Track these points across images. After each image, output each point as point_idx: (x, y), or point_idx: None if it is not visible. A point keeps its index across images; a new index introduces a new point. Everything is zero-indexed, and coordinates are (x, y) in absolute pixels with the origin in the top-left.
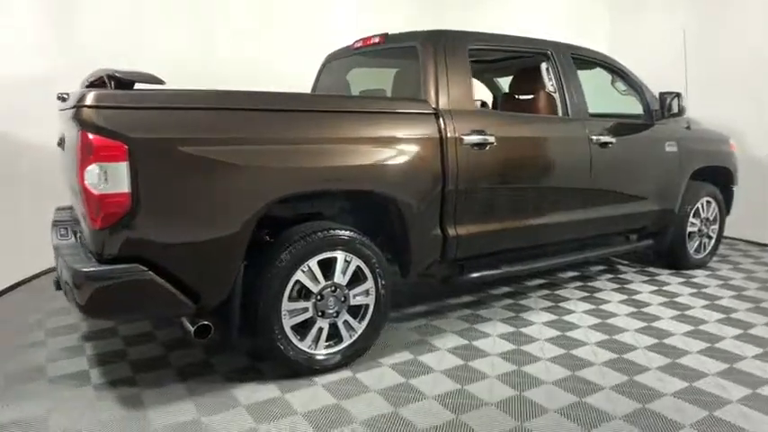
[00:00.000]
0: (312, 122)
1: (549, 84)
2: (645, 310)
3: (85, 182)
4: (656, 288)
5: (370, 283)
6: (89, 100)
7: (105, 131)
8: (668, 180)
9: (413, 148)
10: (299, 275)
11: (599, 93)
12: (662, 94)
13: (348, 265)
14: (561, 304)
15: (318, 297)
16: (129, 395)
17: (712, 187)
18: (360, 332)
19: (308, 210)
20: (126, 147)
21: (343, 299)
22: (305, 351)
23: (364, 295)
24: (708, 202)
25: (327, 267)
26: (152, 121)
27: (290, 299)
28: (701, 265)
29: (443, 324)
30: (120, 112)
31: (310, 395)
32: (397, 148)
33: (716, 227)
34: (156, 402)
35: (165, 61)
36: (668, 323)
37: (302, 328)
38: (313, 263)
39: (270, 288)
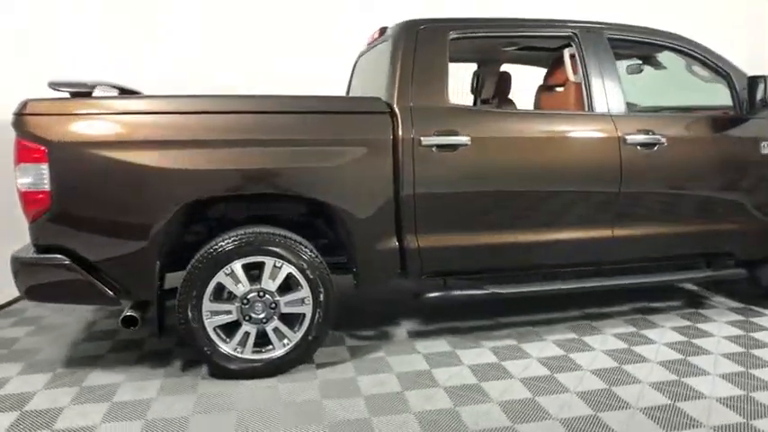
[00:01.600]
0: (230, 124)
1: (573, 73)
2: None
3: (17, 180)
4: (739, 333)
5: (306, 293)
6: (19, 108)
7: (30, 136)
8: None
9: (357, 151)
10: (220, 277)
11: (677, 81)
12: (751, 79)
13: (278, 272)
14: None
15: (244, 301)
16: None
17: None
18: (294, 342)
19: (263, 212)
20: (46, 150)
21: (272, 305)
22: (229, 353)
23: (299, 304)
24: None
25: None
26: (70, 127)
27: (213, 300)
28: None
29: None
30: (43, 119)
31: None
32: (337, 150)
33: None
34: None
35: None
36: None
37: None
38: (237, 266)
39: (190, 288)
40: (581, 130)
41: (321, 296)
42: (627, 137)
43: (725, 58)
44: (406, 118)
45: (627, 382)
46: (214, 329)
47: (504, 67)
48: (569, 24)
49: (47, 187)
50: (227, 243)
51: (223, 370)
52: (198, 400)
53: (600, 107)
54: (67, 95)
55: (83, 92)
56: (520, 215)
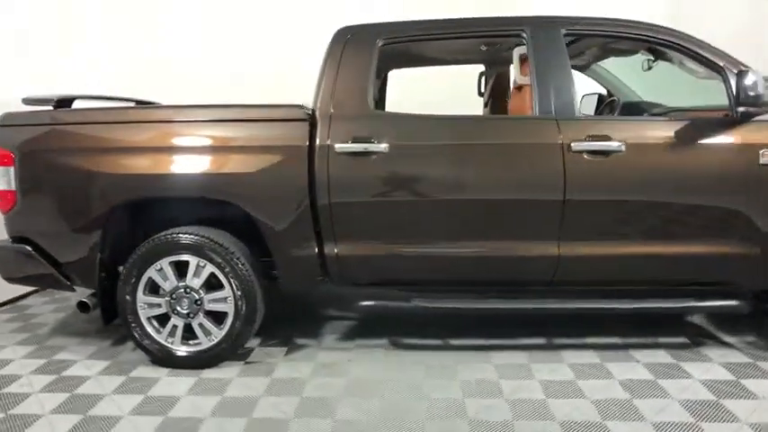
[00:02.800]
0: (156, 132)
1: (520, 75)
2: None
3: None
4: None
5: (228, 292)
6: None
7: (1, 143)
8: (758, 214)
9: (275, 158)
10: (151, 273)
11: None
12: (741, 73)
13: (202, 270)
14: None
15: (172, 296)
16: None
17: None
18: (219, 338)
19: (205, 215)
20: (13, 155)
21: (197, 302)
22: (160, 343)
23: (222, 302)
24: None
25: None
26: (31, 135)
27: (146, 293)
28: None
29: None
30: (12, 129)
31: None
32: (256, 157)
33: None
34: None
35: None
36: None
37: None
38: (165, 263)
39: (126, 281)
40: (516, 137)
41: (242, 296)
42: (572, 144)
43: (722, 50)
44: (324, 125)
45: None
46: (147, 320)
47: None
48: (519, 21)
49: (14, 187)
50: (157, 241)
51: (155, 358)
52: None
53: (545, 111)
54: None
55: (65, 102)
56: (443, 226)
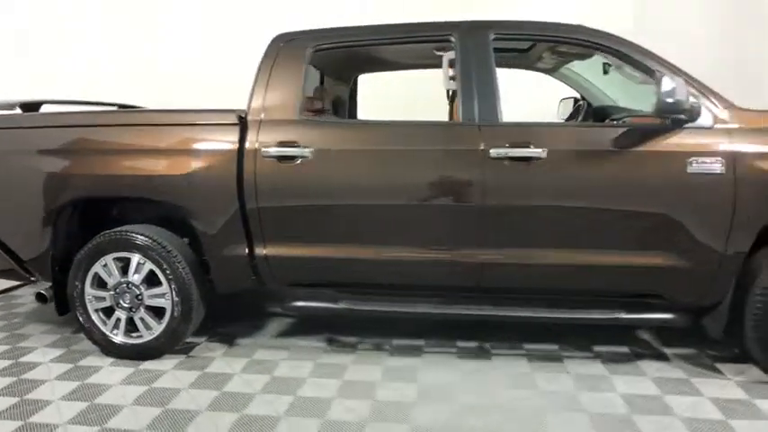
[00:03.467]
0: (98, 136)
1: (446, 80)
2: None
3: None
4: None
5: (165, 288)
6: None
7: None
8: (698, 222)
9: (205, 160)
10: (97, 268)
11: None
12: (659, 79)
13: (141, 267)
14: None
15: (116, 290)
16: None
17: None
18: (157, 332)
19: (156, 214)
20: None
21: (138, 297)
22: (106, 334)
23: (161, 298)
24: None
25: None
26: None
27: (94, 287)
28: None
29: None
30: None
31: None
32: (187, 159)
33: None
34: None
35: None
36: None
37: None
38: (109, 259)
39: (75, 275)
40: (437, 143)
41: (179, 294)
42: (492, 150)
43: (658, 55)
44: (254, 130)
45: None
46: (95, 312)
47: None
48: (447, 26)
49: None
50: (102, 239)
51: (102, 348)
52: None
53: (468, 116)
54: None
55: (32, 106)
56: (365, 231)
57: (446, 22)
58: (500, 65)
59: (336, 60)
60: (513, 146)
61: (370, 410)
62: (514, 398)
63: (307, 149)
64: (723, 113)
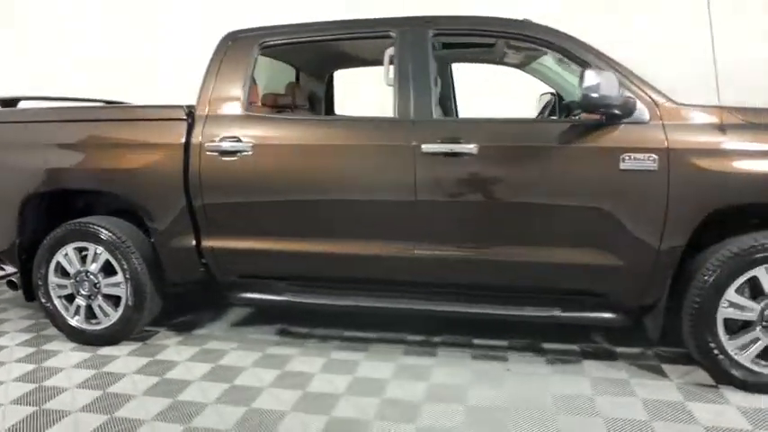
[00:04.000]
0: (55, 131)
1: (387, 76)
2: None
3: None
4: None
5: (120, 278)
6: None
7: None
8: (631, 219)
9: (155, 155)
10: (59, 257)
11: None
12: (582, 74)
13: (98, 257)
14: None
15: (77, 279)
16: None
17: None
18: (114, 319)
19: (118, 206)
20: None
21: (96, 285)
22: (67, 320)
23: (116, 287)
24: None
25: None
26: None
27: (57, 275)
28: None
29: None
30: None
31: None
32: (138, 153)
33: None
34: None
35: None
36: None
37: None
38: (70, 249)
39: (39, 264)
40: (371, 138)
41: (132, 283)
42: (423, 145)
43: (597, 50)
44: (200, 125)
45: None
46: (58, 298)
47: None
48: (388, 22)
49: None
50: (62, 230)
51: (64, 333)
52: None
53: (403, 112)
54: None
55: (10, 102)
56: (303, 224)
57: (386, 19)
58: (471, 60)
59: (309, 57)
60: (443, 141)
61: (299, 400)
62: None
63: (247, 144)
64: (660, 109)
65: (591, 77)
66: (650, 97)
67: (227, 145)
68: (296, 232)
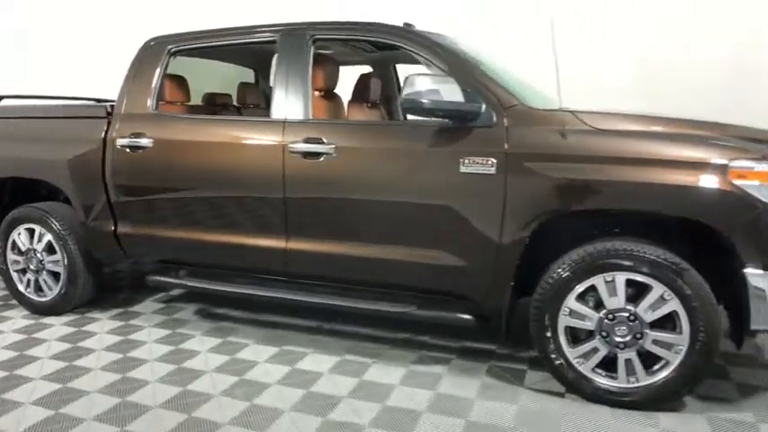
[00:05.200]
0: (9, 126)
1: (273, 79)
2: None
3: None
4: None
5: (59, 257)
6: None
7: None
8: (472, 221)
9: (80, 148)
10: (14, 237)
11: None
12: (406, 80)
13: (43, 237)
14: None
15: (28, 256)
16: None
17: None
18: (54, 293)
19: None
20: None
21: (41, 262)
22: (21, 292)
23: (57, 265)
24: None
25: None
26: None
27: (14, 253)
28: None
29: None
30: None
31: None
32: (70, 147)
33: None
34: None
35: None
36: None
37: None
38: (22, 229)
39: (1, 241)
40: (249, 137)
41: (67, 261)
42: (291, 145)
43: (455, 52)
44: (115, 122)
45: None
46: (15, 272)
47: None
48: (274, 28)
49: None
50: (15, 213)
51: (19, 302)
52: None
53: (278, 113)
54: None
55: None
56: (196, 215)
57: (274, 24)
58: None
59: (263, 59)
60: (306, 141)
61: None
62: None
63: (149, 141)
64: (506, 113)
65: (411, 84)
66: (498, 101)
67: (133, 141)
68: (189, 222)
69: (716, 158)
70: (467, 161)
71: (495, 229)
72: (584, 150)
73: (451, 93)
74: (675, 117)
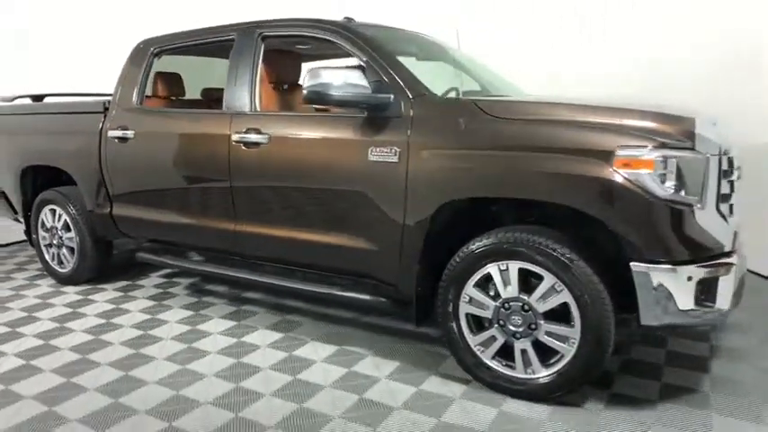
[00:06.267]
0: (30, 121)
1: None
2: None
3: None
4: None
5: (73, 234)
6: None
7: None
8: (379, 207)
9: (87, 138)
10: (42, 215)
11: None
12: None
13: (61, 216)
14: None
15: (51, 232)
16: None
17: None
18: (72, 266)
19: None
20: None
21: (61, 238)
22: (48, 263)
23: (72, 241)
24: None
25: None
26: None
27: (42, 229)
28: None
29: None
30: None
31: None
32: (77, 138)
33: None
34: None
35: None
36: None
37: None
38: (46, 210)
39: (34, 219)
40: (206, 128)
41: (79, 238)
42: (234, 135)
43: (373, 51)
44: (108, 116)
45: None
46: (43, 246)
47: None
48: (231, 28)
49: None
50: (42, 196)
51: (48, 273)
52: None
53: (228, 105)
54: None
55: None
56: (167, 198)
57: (233, 24)
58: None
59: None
60: (247, 132)
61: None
62: None
63: (131, 132)
64: (410, 103)
65: (315, 77)
66: (406, 92)
67: (120, 133)
68: (161, 206)
69: (602, 146)
70: (375, 150)
71: (400, 216)
72: (474, 139)
73: (356, 84)
74: (585, 103)
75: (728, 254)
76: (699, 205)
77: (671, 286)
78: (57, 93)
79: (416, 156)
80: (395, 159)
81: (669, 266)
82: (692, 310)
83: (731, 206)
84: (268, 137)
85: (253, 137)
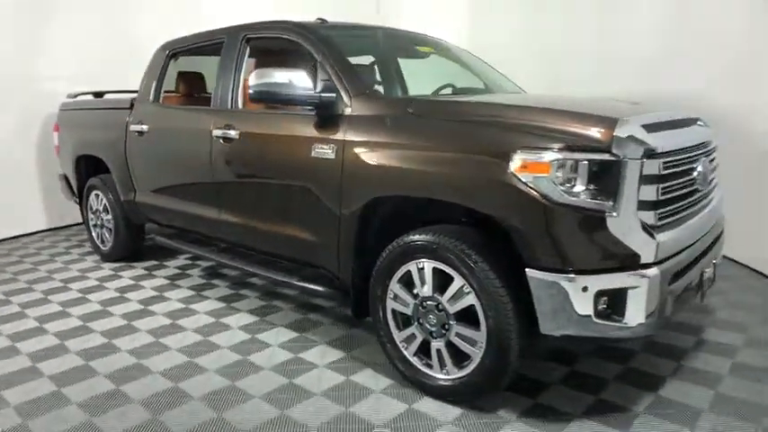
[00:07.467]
0: (80, 116)
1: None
2: None
3: None
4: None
5: (111, 216)
6: None
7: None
8: (319, 202)
9: (117, 131)
10: (89, 199)
11: None
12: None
13: (102, 201)
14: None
15: (95, 214)
16: None
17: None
18: (110, 245)
19: None
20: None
21: (103, 219)
22: (96, 244)
23: (110, 222)
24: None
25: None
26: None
27: (90, 212)
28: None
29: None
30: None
31: None
32: (109, 131)
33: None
34: None
35: None
36: None
37: None
38: (92, 194)
39: (84, 203)
40: (198, 123)
41: (114, 220)
42: (215, 130)
43: (329, 51)
44: (132, 112)
45: None
46: (92, 227)
47: None
48: (225, 30)
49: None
50: (89, 182)
51: (95, 250)
52: None
53: (215, 103)
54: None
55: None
56: (173, 188)
57: (227, 27)
58: None
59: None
60: (223, 128)
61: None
62: None
63: (146, 127)
64: (350, 102)
65: (260, 76)
66: (348, 91)
67: (138, 127)
68: (167, 194)
69: (502, 147)
70: (317, 147)
71: (336, 210)
72: (395, 137)
73: (299, 84)
74: (514, 103)
75: (645, 266)
76: (613, 212)
77: (568, 296)
78: (115, 90)
79: (350, 153)
80: (332, 156)
81: (564, 275)
82: (594, 322)
83: (661, 215)
84: (238, 133)
85: (228, 132)
